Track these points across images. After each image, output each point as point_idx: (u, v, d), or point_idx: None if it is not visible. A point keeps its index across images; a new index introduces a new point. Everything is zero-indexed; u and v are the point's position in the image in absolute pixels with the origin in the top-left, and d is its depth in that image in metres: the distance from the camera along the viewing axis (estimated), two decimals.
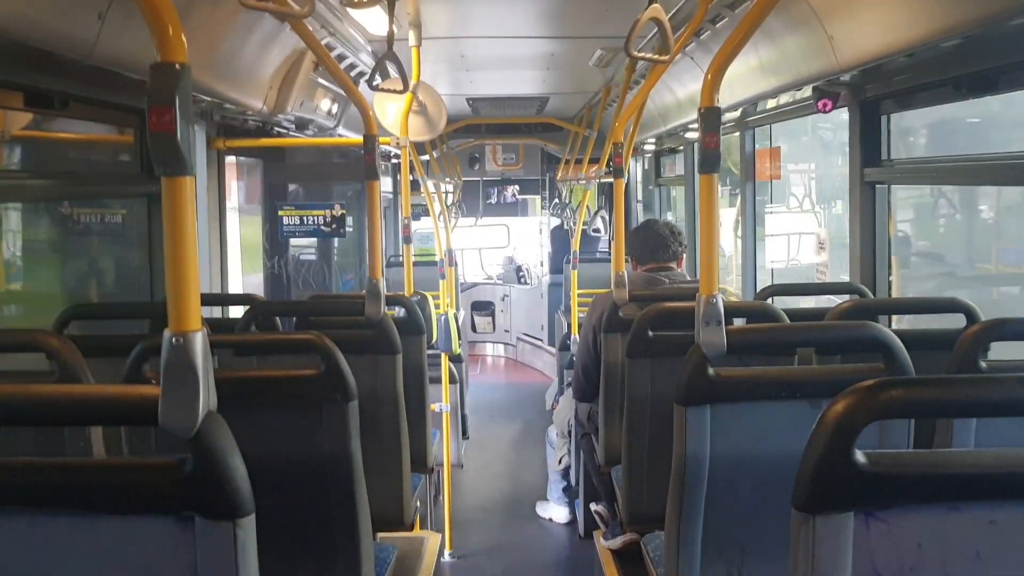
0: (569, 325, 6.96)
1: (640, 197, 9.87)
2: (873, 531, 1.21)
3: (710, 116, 2.14)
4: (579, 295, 6.96)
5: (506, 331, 12.46)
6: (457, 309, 8.04)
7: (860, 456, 1.20)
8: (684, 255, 4.17)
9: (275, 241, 5.88)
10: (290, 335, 2.91)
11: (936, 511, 1.21)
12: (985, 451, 1.22)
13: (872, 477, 1.20)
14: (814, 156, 6.97)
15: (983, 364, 2.10)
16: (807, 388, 2.12)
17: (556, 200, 11.23)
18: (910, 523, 1.21)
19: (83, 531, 1.40)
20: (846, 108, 3.74)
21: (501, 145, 10.16)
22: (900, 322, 3.82)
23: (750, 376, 2.17)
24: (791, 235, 5.63)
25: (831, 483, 1.20)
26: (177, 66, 1.37)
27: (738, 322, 2.85)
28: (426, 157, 8.01)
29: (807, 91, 3.83)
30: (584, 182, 8.17)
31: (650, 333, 3.03)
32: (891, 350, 2.07)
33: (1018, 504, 1.21)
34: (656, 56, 3.06)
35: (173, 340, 1.41)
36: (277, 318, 3.39)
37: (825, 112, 3.69)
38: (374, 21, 4.28)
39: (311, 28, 3.33)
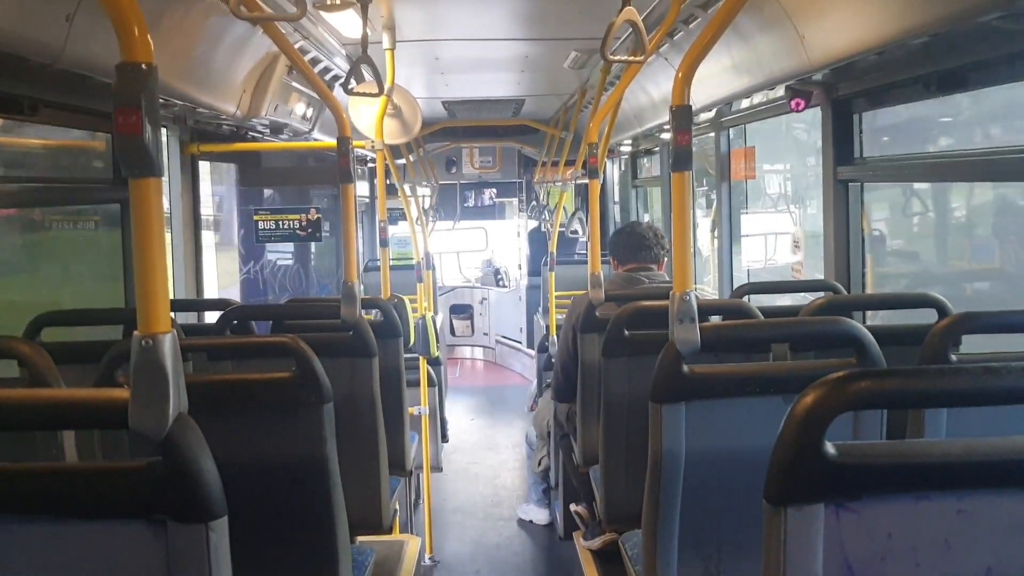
0: (547, 327, 6.96)
1: (617, 198, 9.89)
2: (843, 522, 1.21)
3: (681, 114, 2.15)
4: (557, 297, 6.97)
5: (485, 334, 12.45)
6: (435, 312, 8.03)
7: (830, 448, 1.20)
8: (666, 258, 4.18)
9: (251, 246, 5.87)
10: (264, 338, 2.90)
11: (905, 501, 1.22)
12: (953, 441, 1.23)
13: (841, 468, 1.20)
14: (788, 156, 7.01)
15: (953, 357, 2.11)
16: (780, 384, 2.13)
17: (533, 202, 11.25)
18: (880, 513, 1.22)
19: (54, 537, 1.38)
20: (819, 107, 3.76)
21: (478, 148, 10.14)
22: (875, 318, 3.85)
23: (724, 373, 2.18)
24: (767, 235, 5.67)
25: (801, 475, 1.21)
26: (143, 66, 1.35)
27: (714, 320, 2.86)
28: (403, 161, 7.99)
29: (780, 90, 3.86)
30: (561, 184, 8.18)
31: (626, 332, 3.04)
32: (863, 345, 2.09)
33: (985, 493, 1.22)
34: (631, 58, 3.07)
35: (142, 342, 1.40)
36: (253, 323, 3.37)
37: (798, 111, 3.71)
38: (347, 24, 4.27)
39: (284, 32, 3.32)
